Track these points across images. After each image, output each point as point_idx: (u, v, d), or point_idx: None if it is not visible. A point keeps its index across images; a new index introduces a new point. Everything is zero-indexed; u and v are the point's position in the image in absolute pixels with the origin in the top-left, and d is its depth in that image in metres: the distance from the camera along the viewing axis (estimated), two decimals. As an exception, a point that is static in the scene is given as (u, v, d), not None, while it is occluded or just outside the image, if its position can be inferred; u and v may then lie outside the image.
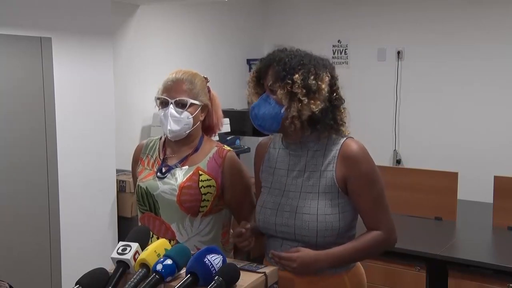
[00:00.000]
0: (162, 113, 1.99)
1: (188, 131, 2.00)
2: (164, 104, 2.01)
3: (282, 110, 1.73)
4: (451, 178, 3.37)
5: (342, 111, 1.80)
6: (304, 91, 1.71)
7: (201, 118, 2.05)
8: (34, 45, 3.21)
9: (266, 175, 1.89)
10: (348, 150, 1.75)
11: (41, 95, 3.27)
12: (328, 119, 1.75)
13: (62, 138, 3.40)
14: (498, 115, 4.83)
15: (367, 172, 1.74)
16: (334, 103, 1.77)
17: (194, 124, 2.00)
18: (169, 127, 1.97)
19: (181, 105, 1.98)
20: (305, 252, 1.70)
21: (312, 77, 1.73)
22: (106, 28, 3.69)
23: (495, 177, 3.23)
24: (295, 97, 1.71)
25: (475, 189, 4.00)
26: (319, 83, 1.73)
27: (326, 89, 1.74)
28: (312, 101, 1.71)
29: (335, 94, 1.78)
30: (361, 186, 1.74)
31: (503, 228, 3.20)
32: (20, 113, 3.18)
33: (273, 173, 1.86)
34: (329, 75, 1.77)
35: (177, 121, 1.97)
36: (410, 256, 2.88)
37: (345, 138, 1.78)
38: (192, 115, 1.99)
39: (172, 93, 1.99)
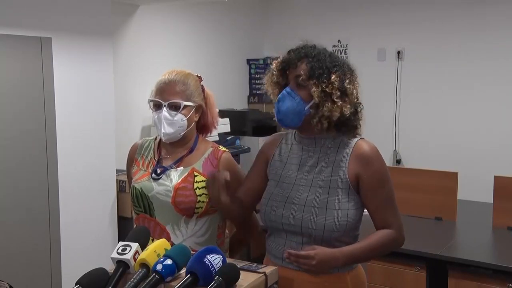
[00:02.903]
0: (156, 116, 1.96)
1: (183, 133, 1.98)
2: (157, 106, 1.98)
3: (306, 107, 1.74)
4: (451, 178, 3.38)
5: (361, 114, 1.82)
6: (339, 93, 1.72)
7: (196, 119, 2.03)
8: (34, 45, 3.21)
9: (275, 168, 1.88)
10: (362, 149, 1.76)
11: (41, 95, 3.27)
12: (352, 122, 1.77)
13: (62, 138, 3.40)
14: (498, 115, 4.83)
15: (379, 171, 1.76)
16: (356, 107, 1.79)
17: (188, 125, 1.98)
18: (163, 130, 1.95)
19: (174, 107, 1.95)
20: (323, 250, 1.70)
21: (347, 81, 1.74)
22: (106, 28, 3.69)
23: (495, 177, 3.23)
24: (328, 98, 1.71)
25: (475, 189, 4.01)
26: (352, 86, 1.75)
27: (356, 93, 1.76)
28: (344, 104, 1.72)
29: (357, 99, 1.79)
30: (373, 185, 1.75)
31: (503, 228, 3.20)
32: (20, 113, 3.18)
33: (283, 167, 1.86)
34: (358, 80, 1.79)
35: (171, 123, 1.94)
36: (410, 256, 2.88)
37: (358, 138, 1.80)
38: (186, 117, 1.96)
39: (165, 96, 1.96)
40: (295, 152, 1.86)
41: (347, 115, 1.74)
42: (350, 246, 1.74)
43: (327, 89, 1.71)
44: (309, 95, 1.73)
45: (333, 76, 1.72)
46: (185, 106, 1.96)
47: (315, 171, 1.79)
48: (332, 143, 1.80)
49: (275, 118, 1.82)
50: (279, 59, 1.83)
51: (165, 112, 1.94)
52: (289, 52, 1.81)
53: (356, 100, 1.78)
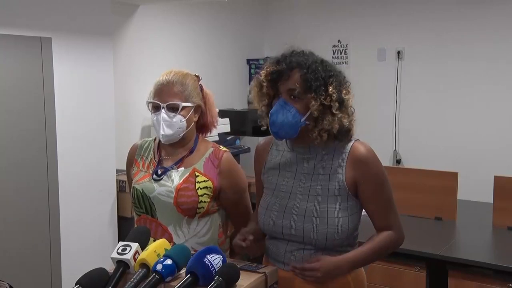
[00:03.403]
0: (155, 118, 1.96)
1: (182, 134, 1.98)
2: (156, 108, 1.98)
3: (303, 119, 1.69)
4: (451, 178, 3.38)
5: (353, 116, 1.78)
6: (338, 105, 1.68)
7: (195, 119, 2.02)
8: (34, 45, 3.20)
9: (269, 176, 1.86)
10: (358, 153, 1.73)
11: (41, 95, 3.27)
12: (347, 127, 1.73)
13: (62, 138, 3.40)
14: (498, 115, 4.83)
15: (377, 173, 1.74)
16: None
17: (187, 126, 1.98)
18: (162, 132, 1.94)
19: (173, 109, 1.94)
20: (326, 260, 1.69)
21: (344, 91, 1.71)
22: (106, 28, 3.69)
23: (495, 177, 3.23)
24: (328, 110, 1.67)
25: (475, 189, 4.00)
26: (349, 96, 1.72)
27: (351, 102, 1.73)
28: (343, 115, 1.69)
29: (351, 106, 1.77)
30: (372, 188, 1.73)
31: (503, 228, 3.20)
32: (20, 113, 3.18)
33: (278, 175, 1.83)
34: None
35: (170, 125, 1.94)
36: (410, 256, 2.88)
37: (353, 141, 1.77)
38: (185, 118, 1.96)
39: (163, 97, 1.95)
40: (289, 159, 1.82)
41: (346, 125, 1.71)
42: (352, 252, 1.74)
43: (325, 102, 1.67)
44: (304, 107, 1.68)
45: (330, 88, 1.67)
46: (184, 107, 1.95)
47: (312, 179, 1.76)
48: (327, 149, 1.76)
49: (264, 127, 1.78)
50: (267, 69, 1.74)
51: (163, 113, 1.94)
52: (278, 61, 1.72)
53: (350, 107, 1.75)
